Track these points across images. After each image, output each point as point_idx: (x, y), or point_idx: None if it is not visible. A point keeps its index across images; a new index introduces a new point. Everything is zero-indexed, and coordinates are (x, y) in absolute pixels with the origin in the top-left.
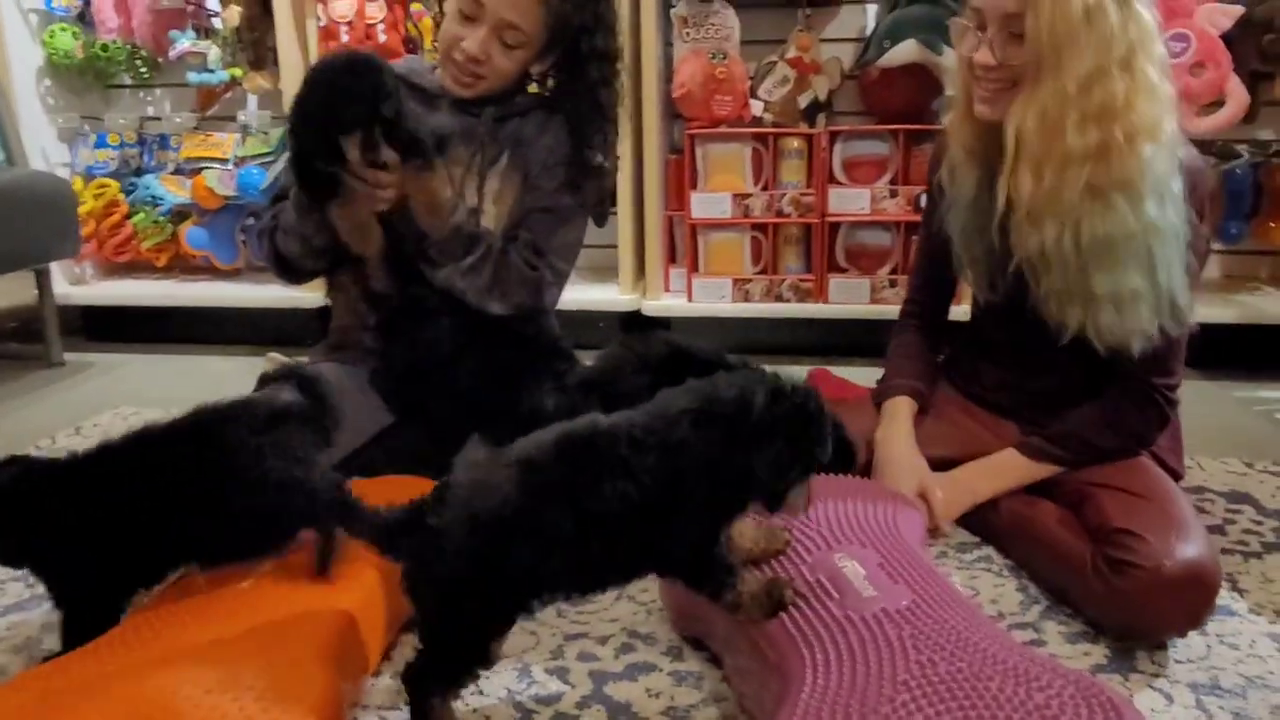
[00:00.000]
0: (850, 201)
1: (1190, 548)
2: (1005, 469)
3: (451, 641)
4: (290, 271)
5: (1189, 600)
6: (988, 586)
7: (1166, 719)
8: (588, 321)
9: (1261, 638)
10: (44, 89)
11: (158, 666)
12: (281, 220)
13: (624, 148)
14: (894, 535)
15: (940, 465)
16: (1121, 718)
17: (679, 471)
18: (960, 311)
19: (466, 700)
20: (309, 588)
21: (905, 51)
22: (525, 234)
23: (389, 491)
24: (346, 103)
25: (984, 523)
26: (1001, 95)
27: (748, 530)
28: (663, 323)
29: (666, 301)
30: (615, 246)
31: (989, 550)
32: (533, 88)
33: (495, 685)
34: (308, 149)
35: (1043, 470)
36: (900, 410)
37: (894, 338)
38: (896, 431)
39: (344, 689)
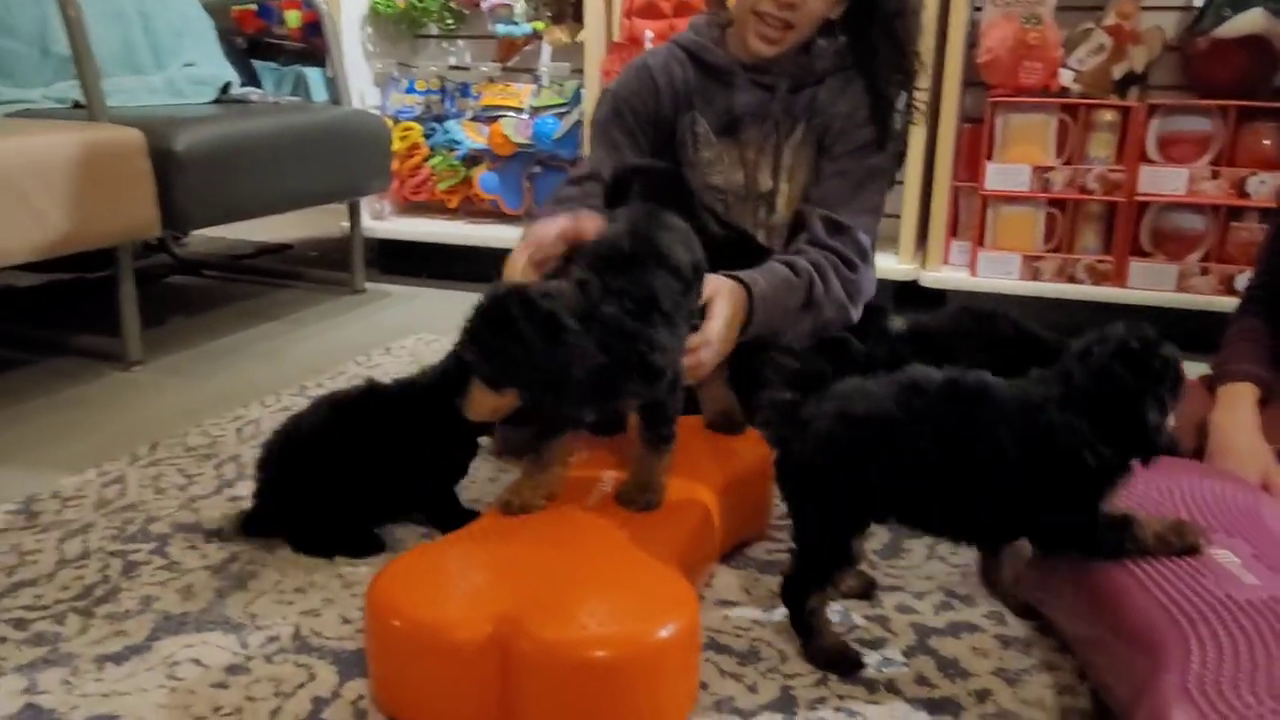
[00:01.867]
0: (1165, 181)
1: None
2: None
3: (815, 536)
4: None
5: None
6: None
7: None
8: None
9: None
10: (365, 35)
11: (534, 560)
12: None
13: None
14: (1261, 526)
15: None
16: None
17: (1049, 457)
18: None
19: (788, 632)
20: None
21: (1249, 21)
22: (822, 213)
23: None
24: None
25: None
26: None
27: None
28: (940, 296)
29: (946, 274)
30: (897, 215)
31: None
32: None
33: None
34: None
35: None
36: (1243, 396)
37: (1235, 322)
38: (1239, 418)
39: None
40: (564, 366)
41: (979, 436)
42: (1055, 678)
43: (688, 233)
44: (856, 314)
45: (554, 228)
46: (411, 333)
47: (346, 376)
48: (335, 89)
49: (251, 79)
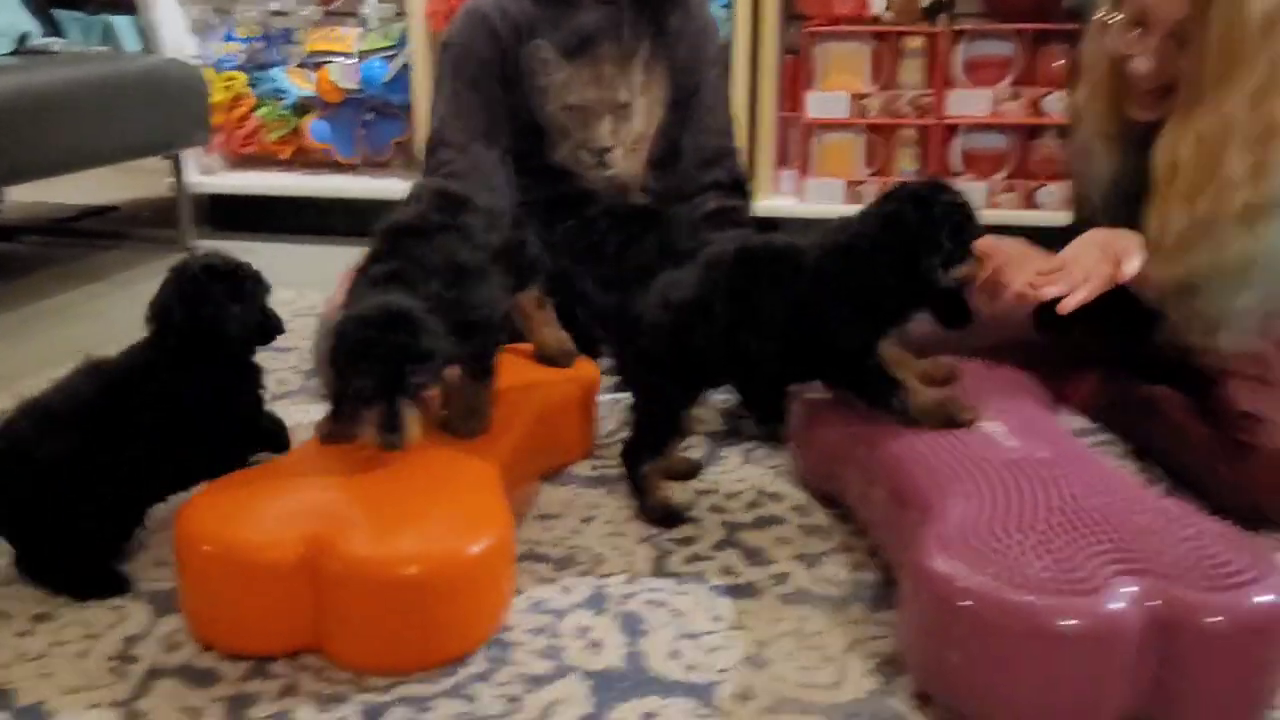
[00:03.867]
0: (970, 103)
1: None
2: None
3: (652, 411)
4: None
5: None
6: None
7: None
8: None
9: None
10: None
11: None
12: None
13: (740, 47)
14: (1029, 407)
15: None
16: (1267, 561)
17: (830, 288)
18: None
19: (606, 538)
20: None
21: None
22: (710, 139)
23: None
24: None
25: (1103, 406)
26: (1159, 99)
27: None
28: (772, 223)
29: (776, 202)
30: None
31: (1108, 435)
32: None
33: (633, 529)
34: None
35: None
36: None
37: None
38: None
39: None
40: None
41: (764, 291)
42: (850, 557)
43: (490, 208)
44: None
45: None
46: None
47: None
48: (146, 36)
49: (55, 29)
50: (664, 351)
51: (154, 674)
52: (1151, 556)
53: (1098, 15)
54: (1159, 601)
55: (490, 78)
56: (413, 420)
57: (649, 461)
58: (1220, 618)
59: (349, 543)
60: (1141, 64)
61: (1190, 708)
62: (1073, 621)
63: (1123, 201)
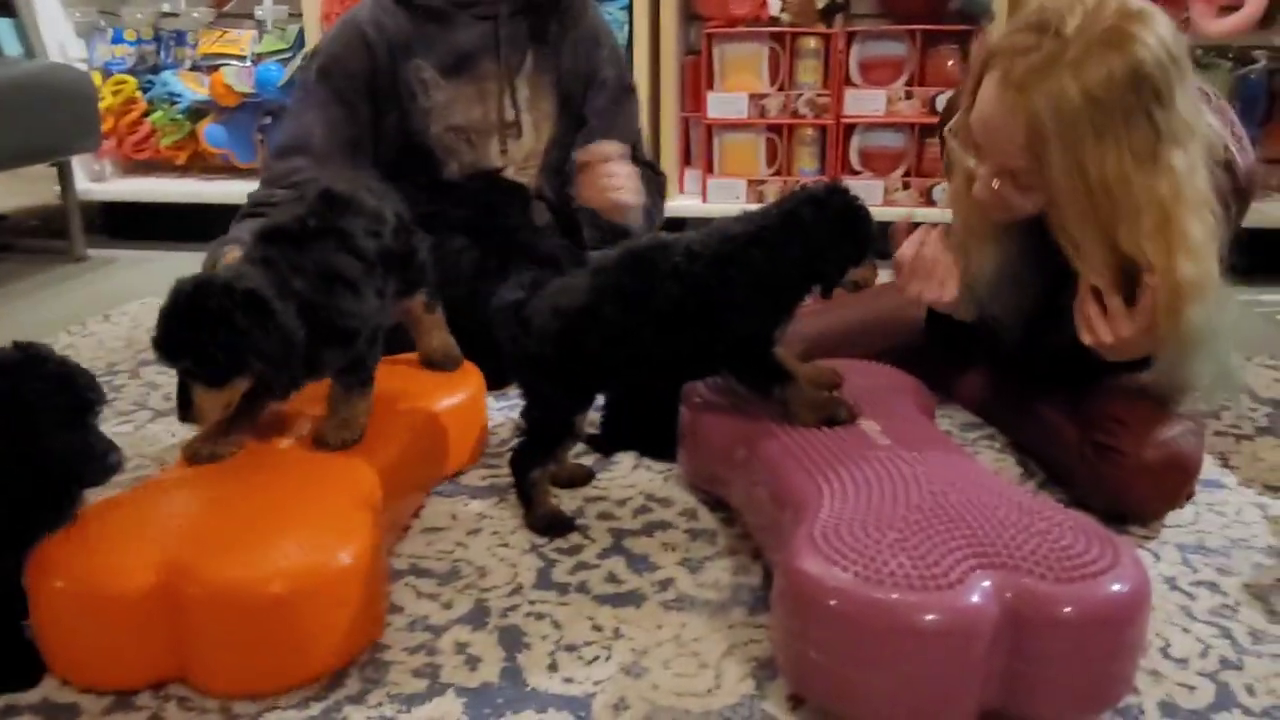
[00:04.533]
0: (865, 103)
1: (1171, 434)
2: None
3: (543, 416)
4: None
5: (1167, 485)
6: (989, 461)
7: (1154, 573)
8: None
9: (1248, 506)
10: None
11: (203, 507)
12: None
13: (640, 49)
14: (904, 408)
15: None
16: (1117, 551)
17: (726, 279)
18: None
19: (491, 549)
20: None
21: None
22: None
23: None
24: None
25: (987, 403)
26: (1013, 210)
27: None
28: (679, 223)
29: (682, 202)
30: None
31: (991, 430)
32: None
33: (520, 539)
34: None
35: None
36: None
37: None
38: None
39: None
40: (285, 340)
41: (651, 291)
42: (734, 561)
43: (376, 212)
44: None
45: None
46: (136, 298)
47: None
48: (28, 40)
49: None
50: (553, 356)
51: (9, 711)
52: (1007, 549)
53: (953, 121)
54: (1012, 593)
55: (359, 93)
56: (206, 398)
57: (538, 467)
58: (1071, 608)
59: (205, 565)
60: (979, 189)
61: (1043, 698)
62: (931, 616)
63: (1011, 284)
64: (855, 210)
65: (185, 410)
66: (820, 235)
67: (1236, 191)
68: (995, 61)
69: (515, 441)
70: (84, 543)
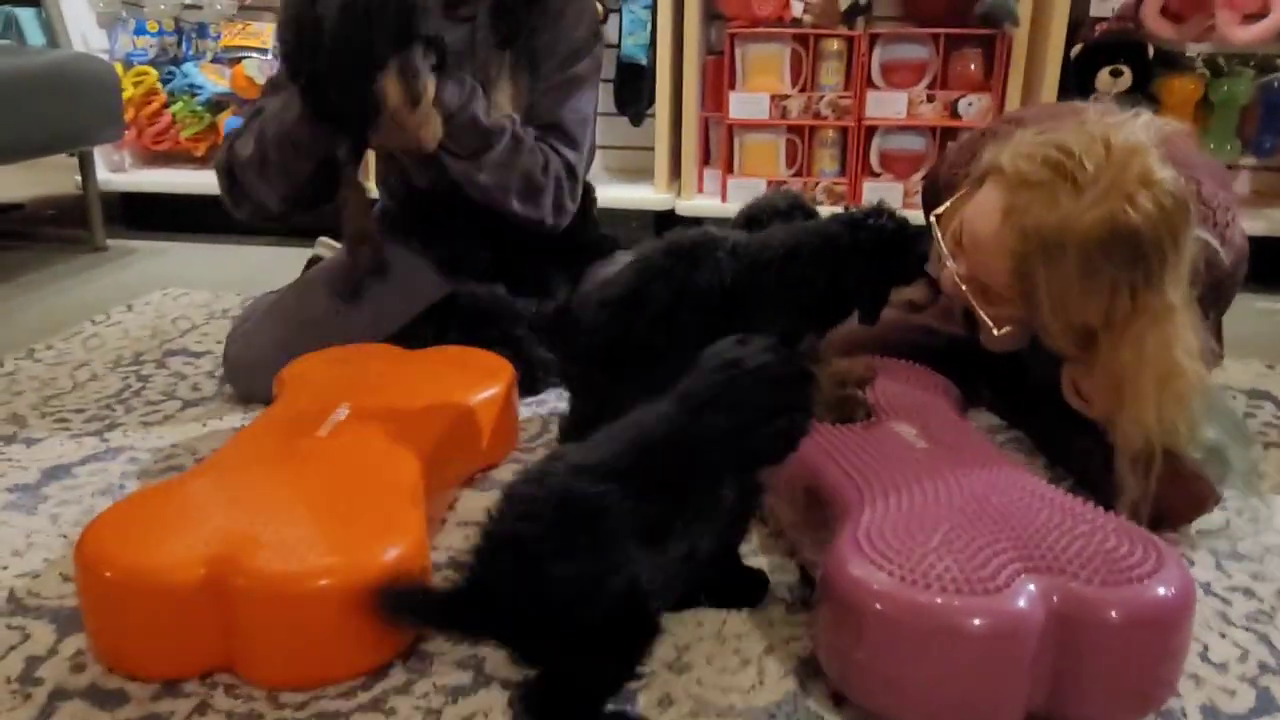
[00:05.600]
0: (887, 105)
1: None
2: None
3: (594, 413)
4: (252, 209)
5: (1195, 491)
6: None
7: None
8: (622, 220)
9: (1278, 513)
10: None
11: (249, 498)
12: (252, 155)
13: (663, 48)
14: (939, 409)
15: None
16: (1161, 554)
17: (758, 285)
18: None
19: None
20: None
21: None
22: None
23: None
24: (382, 28)
25: (1014, 407)
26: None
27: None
28: (697, 222)
29: (700, 202)
30: (651, 148)
31: (1017, 433)
32: None
33: None
34: (335, 86)
35: None
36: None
37: None
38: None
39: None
40: None
41: (692, 275)
42: (769, 560)
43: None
44: (548, 202)
45: None
46: (158, 288)
47: (82, 337)
48: (52, 30)
49: None
50: (604, 346)
51: (58, 695)
52: (1052, 553)
53: (945, 205)
54: (1059, 597)
55: None
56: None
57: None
58: (1117, 612)
59: (255, 559)
60: (946, 281)
61: (1089, 701)
62: (978, 620)
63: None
64: (890, 237)
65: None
66: (853, 261)
67: (1214, 287)
68: (1002, 183)
69: (547, 438)
70: (132, 532)
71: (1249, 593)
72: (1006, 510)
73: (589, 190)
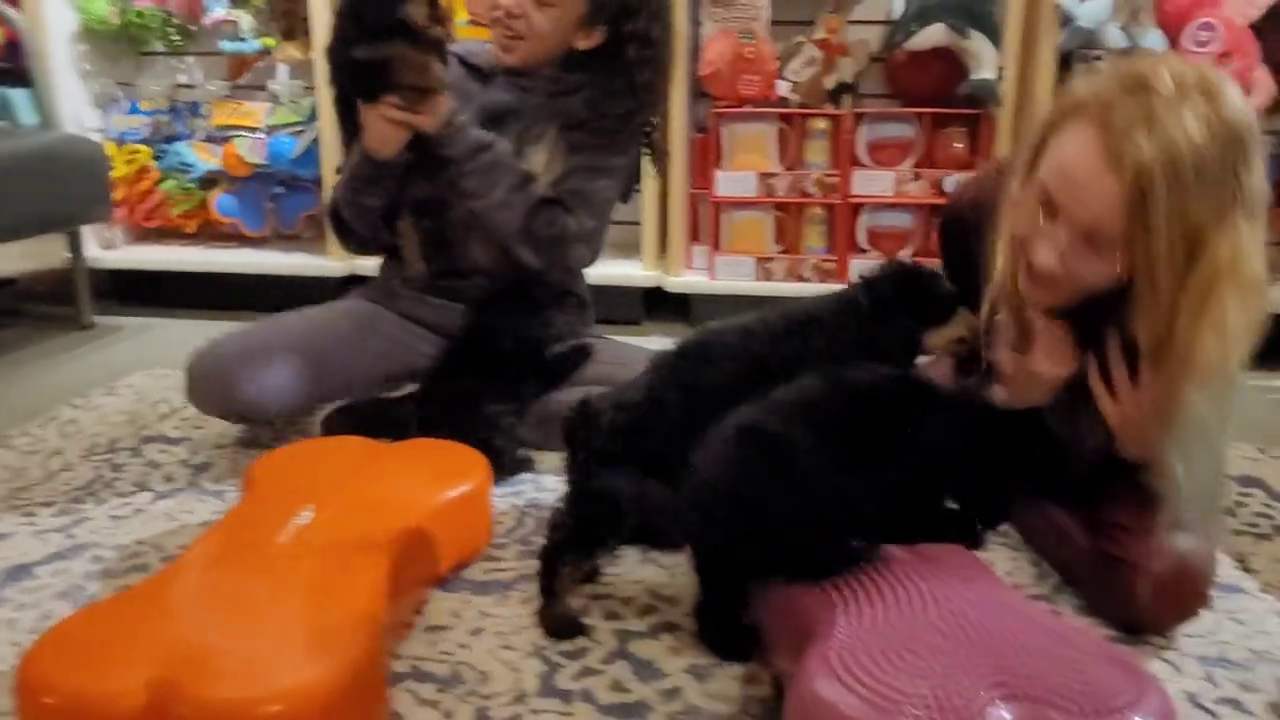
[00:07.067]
0: (873, 183)
1: (1180, 543)
2: None
3: (595, 513)
4: (357, 243)
5: (1177, 598)
6: (1003, 560)
7: (1175, 688)
8: (610, 297)
9: (1269, 615)
10: (78, 54)
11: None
12: (341, 196)
13: None
14: None
15: None
16: (1143, 686)
17: (782, 355)
18: None
19: (494, 652)
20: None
21: (932, 35)
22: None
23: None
24: None
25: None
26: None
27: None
28: (684, 299)
29: (688, 278)
30: (638, 223)
31: (1005, 527)
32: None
33: (523, 640)
34: (363, 25)
35: None
36: None
37: None
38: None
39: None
40: None
41: (708, 373)
42: (743, 670)
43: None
44: (545, 253)
45: None
46: (141, 368)
47: (59, 422)
48: (44, 111)
49: None
50: (622, 451)
51: None
52: (1029, 679)
53: (1011, 189)
54: None
55: None
56: None
57: (573, 565)
58: None
59: (198, 684)
60: (1045, 256)
61: None
62: None
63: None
64: (906, 285)
65: None
66: (875, 315)
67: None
68: (1087, 116)
69: (521, 534)
70: (75, 654)
71: (1237, 705)
72: (985, 628)
73: (586, 305)
